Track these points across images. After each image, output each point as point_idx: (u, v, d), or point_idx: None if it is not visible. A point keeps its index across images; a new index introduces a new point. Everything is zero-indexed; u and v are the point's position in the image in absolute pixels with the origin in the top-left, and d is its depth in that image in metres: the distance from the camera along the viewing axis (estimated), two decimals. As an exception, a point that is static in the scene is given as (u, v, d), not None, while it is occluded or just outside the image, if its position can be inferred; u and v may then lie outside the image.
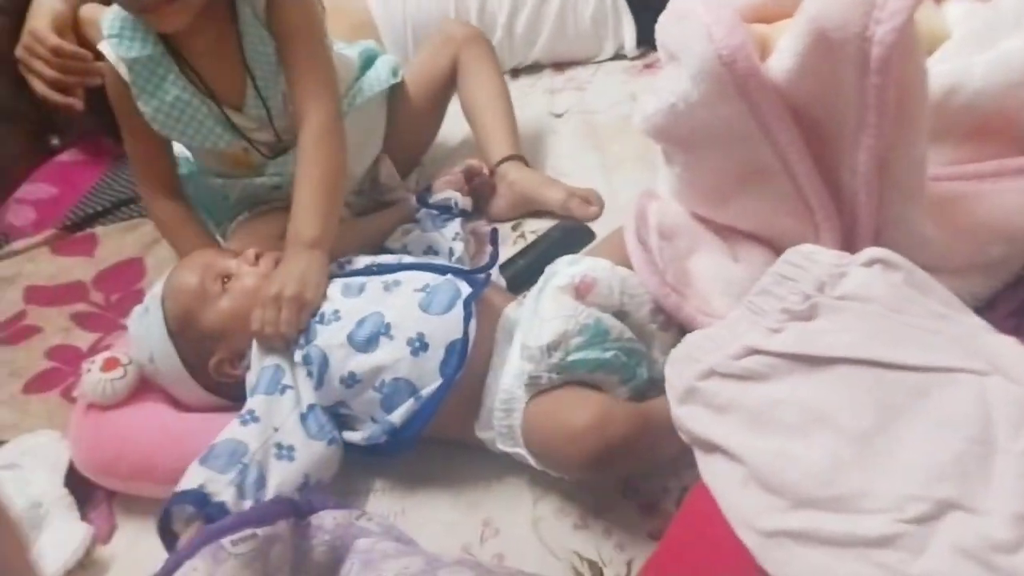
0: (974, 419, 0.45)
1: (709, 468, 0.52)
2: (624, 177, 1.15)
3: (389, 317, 0.85)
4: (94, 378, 0.93)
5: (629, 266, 0.83)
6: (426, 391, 0.83)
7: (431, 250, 1.07)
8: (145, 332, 0.94)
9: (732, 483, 0.50)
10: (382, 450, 0.86)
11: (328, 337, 0.86)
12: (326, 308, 0.88)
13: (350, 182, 1.18)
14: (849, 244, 0.63)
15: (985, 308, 0.71)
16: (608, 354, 0.78)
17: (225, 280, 0.93)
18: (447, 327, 0.84)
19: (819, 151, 0.71)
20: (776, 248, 0.81)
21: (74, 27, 1.40)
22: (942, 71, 0.73)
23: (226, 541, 0.65)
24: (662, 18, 0.79)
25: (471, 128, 1.22)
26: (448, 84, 1.23)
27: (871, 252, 0.53)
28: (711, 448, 0.52)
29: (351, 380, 0.85)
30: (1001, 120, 0.73)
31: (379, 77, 1.18)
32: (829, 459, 0.47)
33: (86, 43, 1.39)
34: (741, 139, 0.72)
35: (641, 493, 0.80)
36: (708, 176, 0.81)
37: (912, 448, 0.46)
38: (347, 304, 0.88)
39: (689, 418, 0.53)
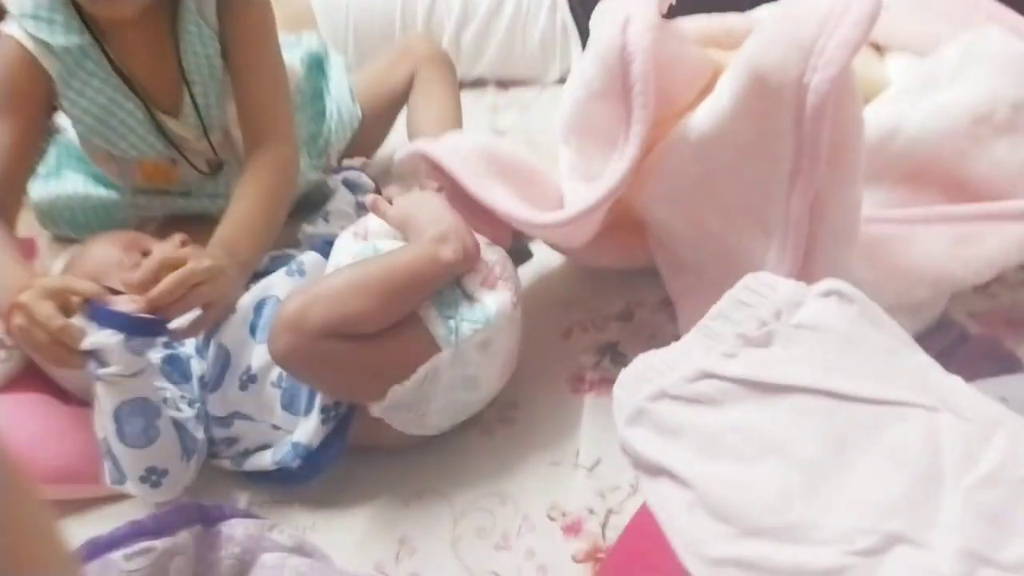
0: (924, 454, 0.46)
1: (655, 492, 0.51)
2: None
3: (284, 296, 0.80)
4: (-27, 360, 0.85)
5: None
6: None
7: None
8: None
9: (679, 509, 0.49)
10: (294, 477, 0.80)
11: (232, 331, 0.81)
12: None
13: None
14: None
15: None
16: None
17: (144, 255, 0.85)
18: None
19: (743, 194, 0.72)
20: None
21: None
22: (882, 114, 0.76)
23: (118, 555, 0.59)
24: (599, 4, 0.80)
25: None
26: (400, 99, 1.16)
27: (828, 284, 0.54)
28: (658, 472, 0.51)
29: (246, 377, 0.80)
30: (935, 167, 0.77)
31: (343, 117, 1.12)
32: (780, 488, 0.47)
33: None
34: (608, 134, 0.75)
35: (566, 514, 0.78)
36: (582, 168, 0.83)
37: (862, 481, 0.46)
38: (246, 297, 0.84)
39: (637, 440, 0.52)
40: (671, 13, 0.88)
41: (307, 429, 0.79)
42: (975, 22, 0.84)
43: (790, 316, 0.52)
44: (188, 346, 0.85)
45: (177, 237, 0.88)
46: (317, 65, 1.16)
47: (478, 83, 1.46)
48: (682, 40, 0.79)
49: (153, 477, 0.77)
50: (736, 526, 0.46)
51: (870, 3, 0.60)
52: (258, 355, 0.81)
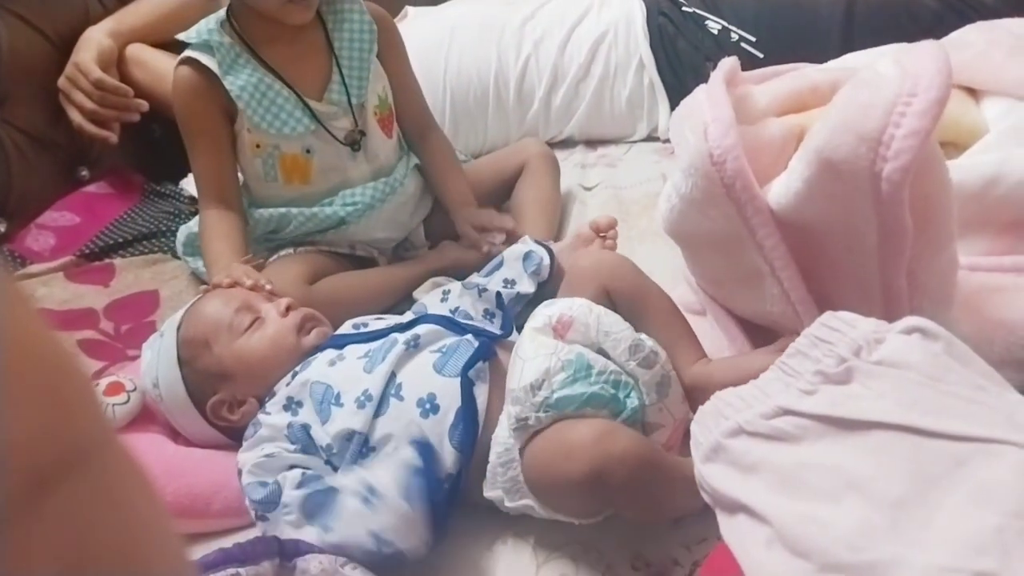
0: (1016, 492, 0.44)
1: (732, 528, 0.50)
2: (648, 250, 1.16)
3: (401, 377, 0.83)
4: (96, 400, 0.91)
5: (606, 305, 0.83)
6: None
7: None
8: (155, 355, 0.93)
9: (756, 544, 0.48)
10: None
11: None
12: (347, 389, 0.83)
13: (404, 232, 1.24)
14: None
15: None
16: (595, 387, 0.75)
17: (255, 320, 0.91)
18: (456, 391, 0.81)
19: (836, 260, 0.70)
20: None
21: (118, 64, 1.45)
22: (983, 161, 0.74)
23: (206, 580, 0.63)
24: (676, 111, 0.82)
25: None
26: (508, 185, 1.29)
27: (910, 321, 0.53)
28: (735, 508, 0.50)
29: (366, 449, 0.81)
30: (1041, 214, 0.74)
31: None
32: (860, 525, 0.45)
33: (128, 80, 1.44)
34: (732, 240, 0.73)
35: (651, 565, 0.77)
36: (707, 273, 0.82)
37: (950, 519, 0.44)
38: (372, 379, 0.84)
39: (714, 476, 0.52)
40: (753, 66, 0.89)
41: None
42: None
43: (870, 353, 0.51)
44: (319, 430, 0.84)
45: (284, 302, 0.94)
46: None
47: (567, 143, 1.51)
48: (762, 121, 0.79)
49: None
50: (815, 562, 0.45)
51: (936, 90, 0.58)
52: (375, 428, 0.81)
